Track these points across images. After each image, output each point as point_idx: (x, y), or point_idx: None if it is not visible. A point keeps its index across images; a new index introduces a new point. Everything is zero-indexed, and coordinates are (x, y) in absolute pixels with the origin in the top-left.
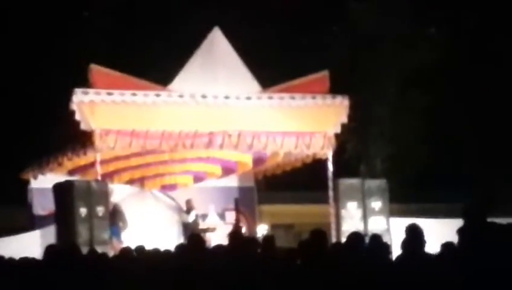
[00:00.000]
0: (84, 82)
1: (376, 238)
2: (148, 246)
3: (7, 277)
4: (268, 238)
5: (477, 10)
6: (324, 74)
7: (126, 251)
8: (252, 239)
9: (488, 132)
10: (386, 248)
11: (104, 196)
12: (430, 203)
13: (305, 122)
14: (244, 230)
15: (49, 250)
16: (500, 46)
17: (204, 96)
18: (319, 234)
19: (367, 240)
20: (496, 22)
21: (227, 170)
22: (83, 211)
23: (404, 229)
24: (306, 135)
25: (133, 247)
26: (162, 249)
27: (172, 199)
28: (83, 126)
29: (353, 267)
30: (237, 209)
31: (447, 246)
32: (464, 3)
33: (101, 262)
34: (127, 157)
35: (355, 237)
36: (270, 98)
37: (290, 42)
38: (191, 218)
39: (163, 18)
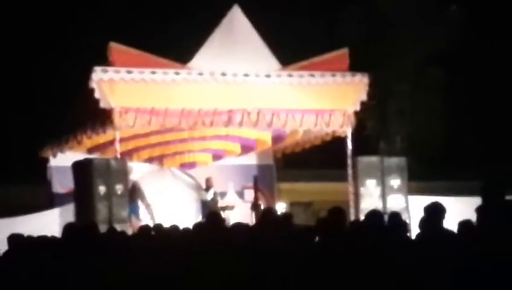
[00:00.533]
0: (104, 60)
1: (395, 216)
2: (167, 224)
3: (26, 254)
4: (286, 216)
5: None
6: (344, 52)
7: (145, 229)
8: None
9: (507, 109)
10: (405, 226)
11: (123, 174)
12: (449, 181)
13: (325, 100)
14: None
15: (67, 228)
16: None
17: (223, 74)
18: (338, 212)
19: (386, 218)
20: None
21: (246, 148)
22: (102, 189)
23: (423, 207)
24: (325, 113)
25: (151, 225)
26: (180, 227)
27: (192, 177)
28: (102, 104)
29: (372, 245)
30: (256, 187)
31: (464, 224)
32: None
33: (119, 240)
34: (146, 135)
35: (374, 214)
36: (290, 75)
37: (310, 20)
38: (209, 196)
39: None
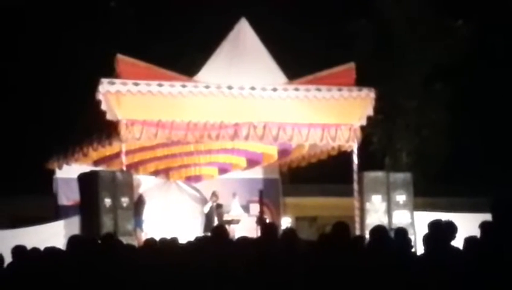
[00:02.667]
0: (111, 72)
1: (401, 232)
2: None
3: (30, 266)
4: (289, 232)
5: (503, 4)
6: (350, 66)
7: (150, 242)
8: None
9: None
10: (410, 242)
11: (129, 186)
12: (455, 197)
13: (331, 114)
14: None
15: (72, 240)
16: None
17: (230, 88)
18: (342, 227)
19: (391, 233)
20: None
21: (252, 162)
22: (108, 201)
23: (427, 223)
24: (332, 127)
25: (157, 238)
26: (185, 240)
27: (197, 190)
28: (108, 116)
29: (377, 260)
30: (261, 201)
31: (470, 241)
32: None
33: (125, 253)
34: (152, 148)
35: (379, 230)
36: (296, 89)
37: (316, 34)
38: (206, 209)
39: (189, 8)
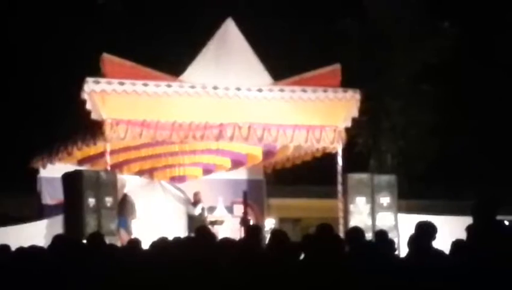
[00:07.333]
0: (96, 71)
1: (382, 234)
2: (155, 238)
3: (12, 265)
4: (277, 233)
5: (490, 5)
6: (336, 67)
7: (134, 242)
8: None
9: (499, 127)
10: (391, 244)
11: (113, 186)
12: (439, 199)
13: (316, 115)
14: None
15: (57, 240)
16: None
17: (215, 88)
18: (326, 229)
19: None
20: (508, 16)
21: (237, 163)
22: (92, 201)
23: (412, 225)
24: (316, 129)
25: (141, 238)
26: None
27: (181, 190)
28: (93, 116)
29: (357, 262)
30: (245, 202)
31: (457, 244)
32: None
33: (108, 253)
34: (137, 147)
35: (355, 232)
36: (282, 90)
37: (302, 34)
38: (197, 211)
39: (176, 8)
